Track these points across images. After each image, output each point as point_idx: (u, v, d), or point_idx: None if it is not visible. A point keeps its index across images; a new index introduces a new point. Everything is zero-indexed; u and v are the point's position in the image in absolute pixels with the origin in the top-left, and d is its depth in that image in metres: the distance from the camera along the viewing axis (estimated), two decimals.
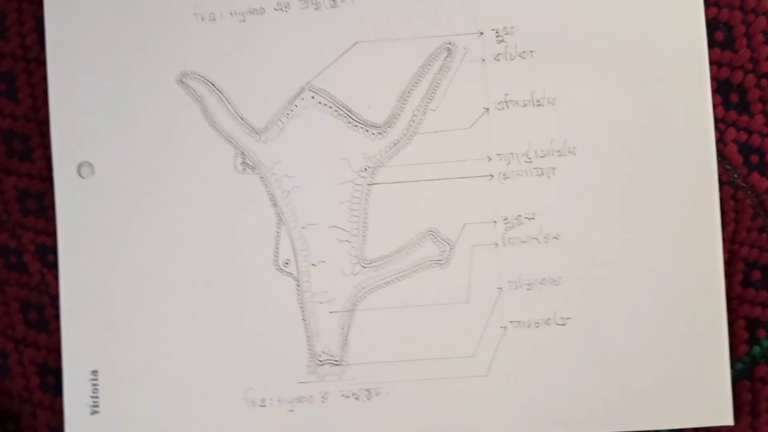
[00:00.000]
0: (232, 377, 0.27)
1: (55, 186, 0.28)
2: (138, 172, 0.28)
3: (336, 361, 0.28)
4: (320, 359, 0.28)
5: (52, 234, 0.28)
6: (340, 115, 0.28)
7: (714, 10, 0.28)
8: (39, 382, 0.29)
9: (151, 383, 0.28)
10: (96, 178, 0.28)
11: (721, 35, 0.28)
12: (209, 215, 0.28)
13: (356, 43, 0.28)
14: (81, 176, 0.28)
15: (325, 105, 0.28)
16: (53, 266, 0.29)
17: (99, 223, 0.28)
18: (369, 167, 0.28)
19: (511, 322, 0.27)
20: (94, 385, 0.28)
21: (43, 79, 0.29)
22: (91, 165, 0.28)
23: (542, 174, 0.27)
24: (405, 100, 0.28)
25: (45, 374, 0.29)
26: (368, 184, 0.28)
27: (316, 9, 0.28)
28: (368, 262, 0.28)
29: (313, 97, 0.28)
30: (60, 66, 0.28)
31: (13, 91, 0.29)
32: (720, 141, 0.28)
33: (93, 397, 0.28)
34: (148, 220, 0.28)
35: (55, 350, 0.29)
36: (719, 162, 0.27)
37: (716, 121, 0.28)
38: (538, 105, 0.27)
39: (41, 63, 0.29)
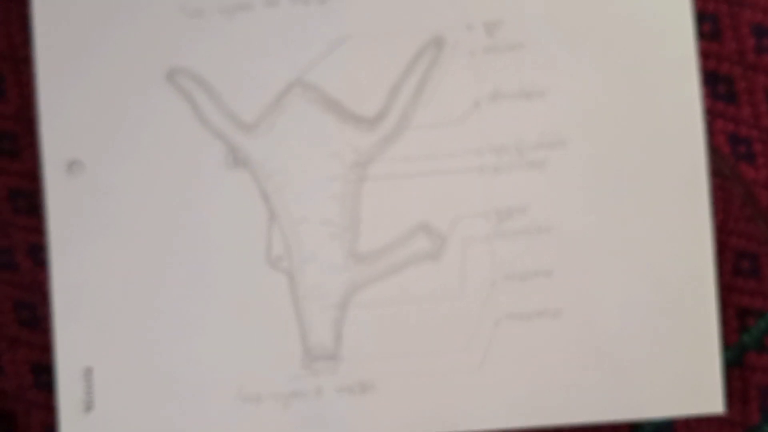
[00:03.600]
0: (226, 373, 0.27)
1: (45, 184, 0.28)
2: (128, 169, 0.28)
3: (330, 355, 0.28)
4: (314, 354, 0.28)
5: (43, 233, 0.28)
6: (331, 110, 0.28)
7: (701, 2, 0.28)
8: (33, 381, 0.29)
9: (145, 380, 0.27)
10: (86, 175, 0.28)
11: (708, 27, 0.28)
12: (200, 212, 0.28)
13: (345, 37, 0.28)
14: (71, 174, 0.28)
15: (315, 100, 0.28)
16: (45, 265, 0.28)
17: (90, 221, 0.28)
18: (360, 162, 0.28)
19: (504, 314, 0.27)
20: (87, 382, 0.27)
21: (31, 78, 0.28)
22: (81, 163, 0.28)
23: (533, 166, 0.27)
24: (395, 94, 0.28)
25: (39, 372, 0.29)
26: (359, 179, 0.28)
27: (304, 4, 0.28)
28: (361, 256, 0.28)
29: (303, 93, 0.28)
30: (48, 64, 0.28)
31: (1, 90, 0.29)
32: (708, 132, 0.28)
33: (87, 395, 0.27)
34: (140, 217, 0.28)
35: (49, 348, 0.28)
36: (708, 153, 0.28)
37: (704, 112, 0.28)
38: (528, 98, 0.27)
39: (29, 61, 0.28)
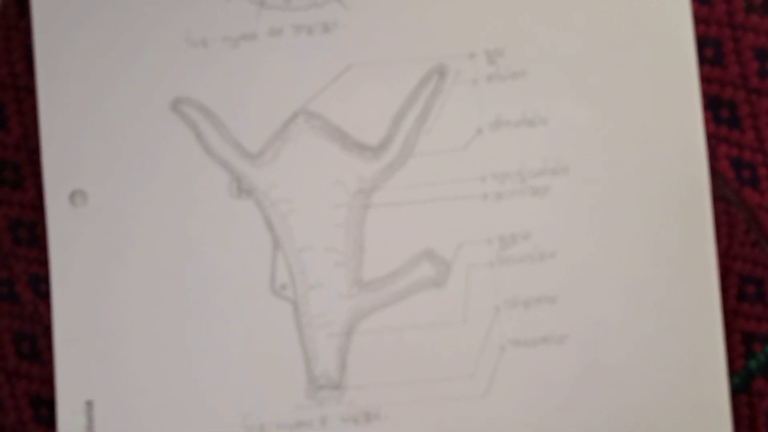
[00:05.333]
0: (230, 403, 0.27)
1: (47, 215, 0.28)
2: (131, 199, 0.28)
3: (335, 384, 0.27)
4: (319, 383, 0.27)
5: (45, 263, 0.28)
6: (335, 138, 0.28)
7: (703, 27, 0.28)
8: (32, 415, 0.28)
9: (147, 413, 0.27)
10: (89, 206, 0.28)
11: (710, 52, 0.28)
12: (204, 241, 0.27)
13: (349, 66, 0.28)
14: (73, 204, 0.28)
15: (320, 128, 0.28)
16: (46, 296, 0.28)
17: (92, 252, 0.27)
18: (364, 190, 0.28)
19: (508, 340, 0.27)
20: (89, 416, 0.27)
21: (34, 107, 0.28)
22: (83, 193, 0.28)
23: (536, 193, 0.27)
24: (398, 122, 0.28)
25: (38, 406, 0.28)
26: (364, 207, 0.28)
27: (308, 34, 0.28)
28: (365, 284, 0.28)
29: (307, 121, 0.28)
30: (51, 93, 0.28)
31: (3, 119, 0.29)
32: (711, 156, 0.28)
33: (88, 429, 0.27)
34: (142, 248, 0.27)
35: (49, 381, 0.28)
36: (711, 177, 0.28)
37: (707, 136, 0.28)
38: (531, 125, 0.28)
39: (31, 91, 0.29)
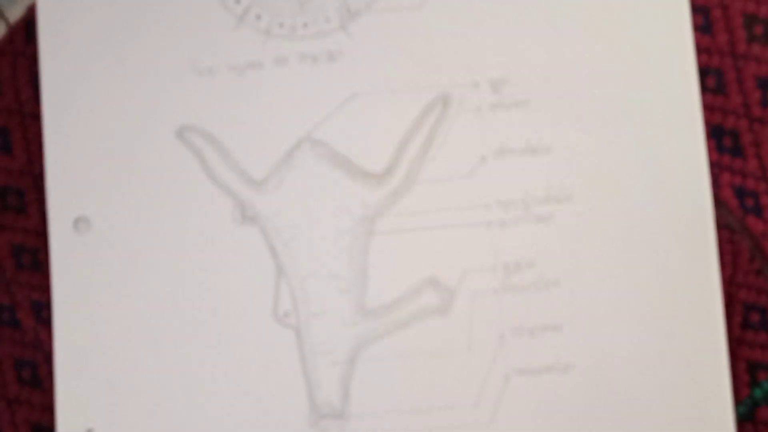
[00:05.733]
0: (232, 431, 0.27)
1: (51, 241, 0.27)
2: (135, 227, 0.27)
3: (337, 413, 0.27)
4: (321, 412, 0.27)
5: (47, 290, 0.28)
6: (339, 165, 0.28)
7: (705, 57, 0.28)
8: None
9: None
10: (92, 233, 0.27)
11: (712, 81, 0.28)
12: (208, 269, 0.27)
13: (354, 95, 0.28)
14: (77, 231, 0.28)
15: (324, 156, 0.28)
16: (48, 323, 0.28)
17: (95, 279, 0.27)
18: (368, 216, 0.28)
19: (513, 369, 0.27)
20: None
21: (39, 133, 0.29)
22: (87, 220, 0.28)
23: (540, 221, 0.27)
24: (403, 150, 0.28)
25: None
26: (367, 233, 0.28)
27: (313, 62, 0.28)
28: (368, 311, 0.27)
29: (311, 149, 0.28)
30: (56, 120, 0.28)
31: (8, 145, 0.29)
32: (714, 185, 0.28)
33: None
34: (145, 276, 0.27)
35: (50, 409, 0.28)
36: (715, 206, 0.28)
37: (710, 165, 0.28)
38: (535, 153, 0.28)
39: (36, 117, 0.29)
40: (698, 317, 0.27)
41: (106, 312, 0.27)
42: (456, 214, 0.28)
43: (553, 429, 0.27)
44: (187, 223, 0.28)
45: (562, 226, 0.27)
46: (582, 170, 0.27)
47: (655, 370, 0.27)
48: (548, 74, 0.28)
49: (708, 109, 0.28)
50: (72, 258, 0.27)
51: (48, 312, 0.28)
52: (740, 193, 0.28)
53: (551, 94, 0.28)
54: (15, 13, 0.30)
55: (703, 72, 0.28)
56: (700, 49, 0.28)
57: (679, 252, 0.27)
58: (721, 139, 0.28)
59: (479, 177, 0.28)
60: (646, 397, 0.27)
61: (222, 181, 0.28)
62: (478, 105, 0.28)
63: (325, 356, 0.27)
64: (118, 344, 0.27)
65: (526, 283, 0.27)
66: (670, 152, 0.27)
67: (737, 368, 0.28)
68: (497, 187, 0.28)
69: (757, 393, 0.28)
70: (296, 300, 0.27)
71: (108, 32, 0.28)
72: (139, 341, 0.27)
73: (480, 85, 0.28)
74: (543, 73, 0.28)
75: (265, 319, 0.27)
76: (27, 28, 0.29)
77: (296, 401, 0.27)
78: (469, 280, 0.27)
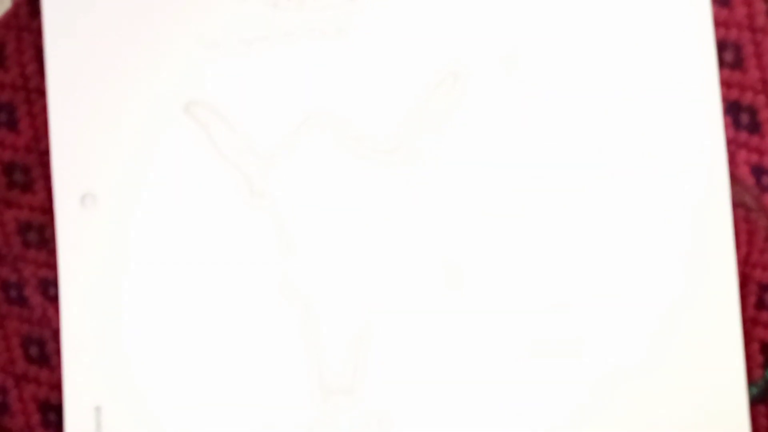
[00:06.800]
0: (239, 410, 0.27)
1: (57, 218, 0.27)
2: (142, 203, 0.27)
3: (347, 389, 0.27)
4: (330, 388, 0.27)
5: (54, 267, 0.28)
6: (347, 140, 0.28)
7: (722, 30, 0.28)
8: (40, 420, 0.28)
9: (156, 420, 0.27)
10: (99, 209, 0.27)
11: (730, 56, 0.28)
12: (215, 244, 0.27)
13: (363, 70, 0.28)
14: (84, 207, 0.27)
15: (332, 131, 0.28)
16: (55, 300, 0.28)
17: (102, 256, 0.27)
18: (377, 191, 0.28)
19: (526, 346, 0.27)
20: (97, 421, 0.27)
21: (44, 109, 0.28)
22: (94, 196, 0.27)
23: (554, 200, 0.27)
24: (411, 125, 0.28)
25: (46, 411, 0.28)
26: (376, 208, 0.27)
27: (321, 36, 0.28)
28: (378, 286, 0.27)
29: (319, 123, 0.28)
30: (61, 96, 0.28)
31: (13, 121, 0.29)
32: (731, 162, 0.28)
33: None
34: (152, 251, 0.27)
35: (57, 386, 0.28)
36: (731, 184, 0.27)
37: (726, 142, 0.28)
38: (545, 129, 0.27)
39: (42, 93, 0.28)
40: (712, 297, 0.27)
41: (114, 289, 0.27)
42: (465, 192, 0.27)
43: (565, 408, 0.27)
44: (194, 198, 0.27)
45: (576, 203, 0.27)
46: (597, 151, 0.27)
47: (669, 350, 0.27)
48: (561, 51, 0.27)
49: (725, 84, 0.28)
50: (79, 234, 0.27)
51: (55, 289, 0.28)
52: (757, 170, 0.28)
53: (563, 70, 0.27)
54: None
55: (721, 46, 0.28)
56: (718, 23, 0.28)
57: (694, 230, 0.27)
58: (738, 115, 0.28)
59: (490, 152, 0.27)
60: (659, 377, 0.27)
61: (229, 155, 0.28)
62: (488, 81, 0.27)
63: (334, 333, 0.27)
64: (126, 322, 0.27)
65: (542, 258, 0.27)
66: (686, 128, 0.27)
67: (751, 349, 0.28)
68: (509, 168, 0.27)
69: None
70: (305, 275, 0.27)
71: (113, 6, 0.28)
72: (146, 319, 0.27)
73: (491, 60, 0.28)
74: (555, 49, 0.27)
75: (273, 294, 0.27)
76: (32, 2, 0.29)
77: (305, 377, 0.27)
78: (479, 259, 0.27)
